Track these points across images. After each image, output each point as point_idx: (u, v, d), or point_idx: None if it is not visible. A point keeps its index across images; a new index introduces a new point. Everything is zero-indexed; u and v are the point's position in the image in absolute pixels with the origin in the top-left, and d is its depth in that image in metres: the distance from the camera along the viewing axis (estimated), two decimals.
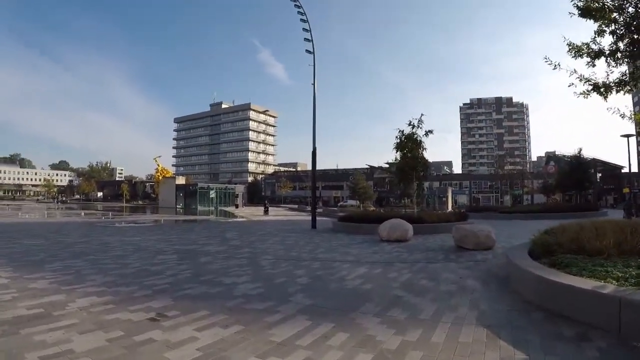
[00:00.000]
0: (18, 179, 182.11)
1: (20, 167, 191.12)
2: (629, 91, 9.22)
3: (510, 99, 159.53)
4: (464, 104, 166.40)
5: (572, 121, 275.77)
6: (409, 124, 22.43)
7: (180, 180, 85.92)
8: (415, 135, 22.23)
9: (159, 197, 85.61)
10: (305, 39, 24.96)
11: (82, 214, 47.42)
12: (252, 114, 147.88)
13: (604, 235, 7.57)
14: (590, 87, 9.18)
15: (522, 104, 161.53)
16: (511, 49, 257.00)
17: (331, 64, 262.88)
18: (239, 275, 8.81)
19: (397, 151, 22.61)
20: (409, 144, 22.04)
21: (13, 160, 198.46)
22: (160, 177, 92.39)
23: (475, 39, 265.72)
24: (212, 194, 76.07)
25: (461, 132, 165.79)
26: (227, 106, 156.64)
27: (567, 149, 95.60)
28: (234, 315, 5.69)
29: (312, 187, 27.16)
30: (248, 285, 7.79)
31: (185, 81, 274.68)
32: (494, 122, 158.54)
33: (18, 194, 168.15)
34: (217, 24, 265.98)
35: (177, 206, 72.49)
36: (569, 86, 9.34)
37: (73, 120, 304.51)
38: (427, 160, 22.85)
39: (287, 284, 8.00)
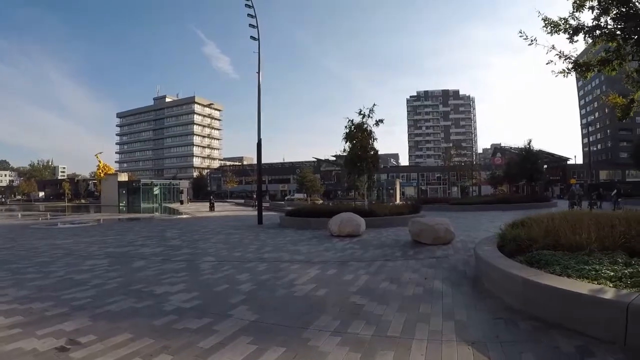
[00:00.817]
0: None
1: None
2: (612, 70, 8.51)
3: (457, 91, 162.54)
4: (411, 97, 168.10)
5: (517, 113, 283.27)
6: (360, 113, 21.68)
7: (123, 177, 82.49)
8: (366, 125, 21.45)
9: (101, 195, 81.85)
10: (251, 25, 23.64)
11: (19, 215, 44.53)
12: (196, 108, 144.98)
13: (581, 229, 6.91)
14: (571, 66, 8.52)
15: (468, 97, 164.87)
16: (456, 42, 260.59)
17: (277, 55, 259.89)
18: (173, 283, 7.59)
19: (346, 142, 21.70)
20: (359, 134, 21.19)
21: None
22: (102, 174, 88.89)
23: (422, 32, 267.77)
24: (156, 191, 73.15)
25: (408, 125, 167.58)
26: (170, 100, 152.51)
27: (512, 141, 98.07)
28: (162, 339, 4.51)
29: (257, 180, 25.90)
30: (182, 295, 6.59)
31: (130, 76, 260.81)
32: (441, 114, 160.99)
33: None
34: (161, 15, 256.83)
35: (120, 204, 69.85)
36: (547, 64, 8.76)
37: (13, 117, 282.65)
38: (377, 151, 22.04)
39: (228, 292, 6.84)
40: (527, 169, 47.78)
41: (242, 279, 7.96)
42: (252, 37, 23.78)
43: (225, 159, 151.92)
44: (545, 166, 59.87)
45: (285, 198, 76.10)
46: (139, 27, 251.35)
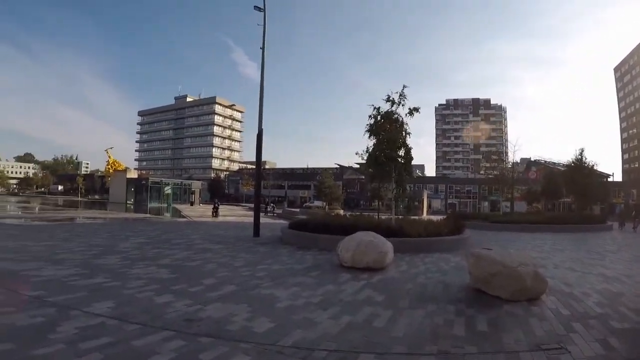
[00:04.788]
0: None
1: None
2: None
3: (488, 100, 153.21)
4: (440, 105, 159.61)
5: (545, 128, 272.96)
6: (387, 100, 16.43)
7: (132, 174, 79.60)
8: (396, 115, 16.21)
9: (110, 191, 79.88)
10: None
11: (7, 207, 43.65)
12: (217, 108, 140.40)
13: None
14: None
15: (500, 106, 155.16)
16: (484, 57, 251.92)
17: (304, 65, 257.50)
18: None
19: (370, 136, 16.48)
20: (387, 125, 15.96)
21: None
22: (111, 170, 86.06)
23: (448, 45, 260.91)
24: (168, 190, 69.66)
25: (436, 134, 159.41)
26: (192, 99, 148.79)
27: (540, 156, 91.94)
28: None
29: (256, 181, 20.88)
30: None
31: (158, 80, 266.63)
32: (471, 124, 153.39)
33: None
34: (192, 23, 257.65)
35: (128, 202, 66.47)
36: None
37: (42, 113, 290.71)
38: (411, 149, 16.63)
39: None
40: (579, 184, 41.37)
41: None
42: (257, 8, 19.43)
43: (245, 162, 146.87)
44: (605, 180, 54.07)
45: (303, 205, 71.30)
46: (166, 30, 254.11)
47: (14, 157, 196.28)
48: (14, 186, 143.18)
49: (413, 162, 17.15)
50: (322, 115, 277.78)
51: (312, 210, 45.66)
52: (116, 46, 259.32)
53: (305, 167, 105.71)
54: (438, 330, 5.64)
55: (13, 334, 5.14)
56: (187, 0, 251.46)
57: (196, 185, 79.57)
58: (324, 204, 62.77)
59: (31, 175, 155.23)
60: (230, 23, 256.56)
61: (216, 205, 37.89)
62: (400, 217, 19.17)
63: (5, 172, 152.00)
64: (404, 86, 16.38)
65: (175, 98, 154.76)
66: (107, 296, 7.05)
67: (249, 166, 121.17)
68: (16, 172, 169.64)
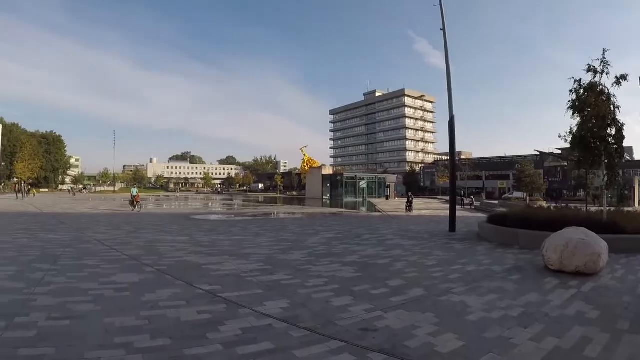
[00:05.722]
0: (187, 173, 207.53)
1: (190, 163, 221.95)
2: None
3: None
4: None
5: None
6: (589, 70, 14.22)
7: (327, 170, 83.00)
8: (600, 87, 13.89)
9: (306, 187, 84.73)
10: None
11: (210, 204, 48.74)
12: (407, 100, 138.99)
13: None
14: None
15: None
16: None
17: (492, 44, 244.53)
18: None
19: (573, 114, 14.31)
20: (592, 100, 13.71)
21: (184, 157, 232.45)
22: (306, 168, 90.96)
23: None
24: (363, 185, 71.38)
25: None
26: (380, 94, 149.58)
27: None
28: None
29: (450, 172, 20.10)
30: None
31: (344, 80, 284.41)
32: None
33: (187, 186, 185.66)
34: (370, 21, 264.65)
35: (324, 197, 69.17)
36: None
37: (242, 120, 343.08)
38: (623, 125, 14.02)
39: None
40: None
41: None
42: None
43: (441, 154, 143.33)
44: None
45: (502, 197, 67.28)
46: (346, 31, 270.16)
47: (218, 160, 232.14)
48: (218, 186, 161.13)
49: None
50: (517, 98, 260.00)
51: (512, 202, 42.83)
52: (300, 51, 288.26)
53: (503, 155, 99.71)
54: None
55: (174, 329, 5.17)
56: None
57: (391, 179, 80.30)
58: (525, 194, 58.62)
59: (233, 176, 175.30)
60: (408, 14, 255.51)
61: (410, 199, 37.06)
62: (611, 209, 16.51)
63: (210, 174, 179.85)
64: (604, 50, 14.06)
65: (364, 94, 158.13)
66: (282, 295, 6.89)
67: (444, 158, 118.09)
68: (220, 173, 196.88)
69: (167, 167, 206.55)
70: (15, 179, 70.95)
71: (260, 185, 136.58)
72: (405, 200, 38.98)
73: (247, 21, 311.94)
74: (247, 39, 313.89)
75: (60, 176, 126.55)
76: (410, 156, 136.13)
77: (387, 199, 67.76)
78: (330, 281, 7.95)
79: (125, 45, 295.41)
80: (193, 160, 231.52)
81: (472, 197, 56.83)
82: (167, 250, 11.82)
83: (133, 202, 31.84)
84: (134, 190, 33.82)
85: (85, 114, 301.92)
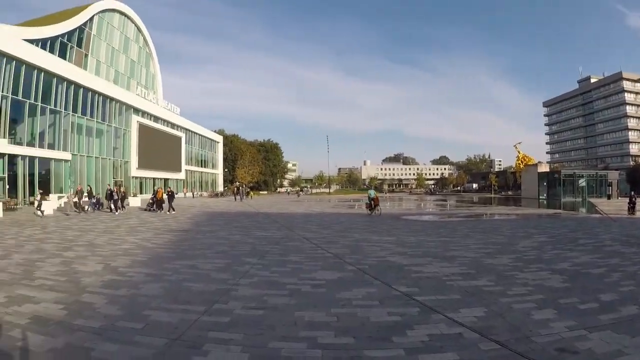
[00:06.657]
0: (400, 174, 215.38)
1: (403, 164, 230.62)
2: None
3: None
4: None
5: None
6: None
7: (543, 168, 79.31)
8: None
9: (522, 187, 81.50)
10: None
11: (422, 205, 51.28)
12: (626, 85, 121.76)
13: None
14: None
15: None
16: None
17: None
18: None
19: None
20: None
21: (397, 158, 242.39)
22: (521, 165, 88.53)
23: None
24: (582, 183, 67.63)
25: None
26: (596, 80, 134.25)
27: None
28: None
29: None
30: None
31: (551, 68, 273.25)
32: None
33: (400, 187, 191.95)
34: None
35: (540, 197, 67.21)
36: None
37: (452, 119, 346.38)
38: None
39: None
40: None
41: None
42: None
43: None
44: None
45: None
46: (547, 16, 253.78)
47: (430, 161, 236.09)
48: (431, 186, 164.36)
49: None
50: None
51: None
52: (505, 46, 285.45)
53: None
54: None
55: (361, 328, 5.60)
56: None
57: (612, 175, 73.78)
58: None
59: (446, 176, 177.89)
60: None
61: (633, 199, 33.56)
62: None
63: (423, 174, 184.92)
64: None
65: (578, 82, 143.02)
66: (480, 302, 6.79)
67: None
68: (433, 174, 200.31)
69: (381, 169, 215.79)
70: (237, 183, 79.55)
71: (474, 185, 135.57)
72: (627, 200, 35.22)
73: (441, 21, 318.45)
74: (443, 38, 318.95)
75: (279, 179, 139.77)
76: (634, 149, 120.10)
77: (608, 198, 63.14)
78: (535, 290, 7.59)
79: (332, 56, 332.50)
80: (406, 161, 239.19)
81: None
82: (372, 250, 12.57)
83: (371, 204, 30.35)
84: (372, 192, 32.23)
85: (299, 122, 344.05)
